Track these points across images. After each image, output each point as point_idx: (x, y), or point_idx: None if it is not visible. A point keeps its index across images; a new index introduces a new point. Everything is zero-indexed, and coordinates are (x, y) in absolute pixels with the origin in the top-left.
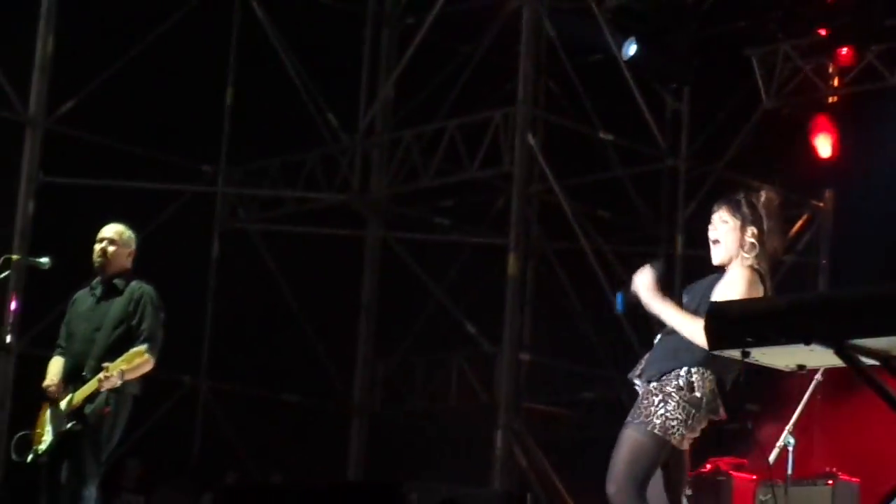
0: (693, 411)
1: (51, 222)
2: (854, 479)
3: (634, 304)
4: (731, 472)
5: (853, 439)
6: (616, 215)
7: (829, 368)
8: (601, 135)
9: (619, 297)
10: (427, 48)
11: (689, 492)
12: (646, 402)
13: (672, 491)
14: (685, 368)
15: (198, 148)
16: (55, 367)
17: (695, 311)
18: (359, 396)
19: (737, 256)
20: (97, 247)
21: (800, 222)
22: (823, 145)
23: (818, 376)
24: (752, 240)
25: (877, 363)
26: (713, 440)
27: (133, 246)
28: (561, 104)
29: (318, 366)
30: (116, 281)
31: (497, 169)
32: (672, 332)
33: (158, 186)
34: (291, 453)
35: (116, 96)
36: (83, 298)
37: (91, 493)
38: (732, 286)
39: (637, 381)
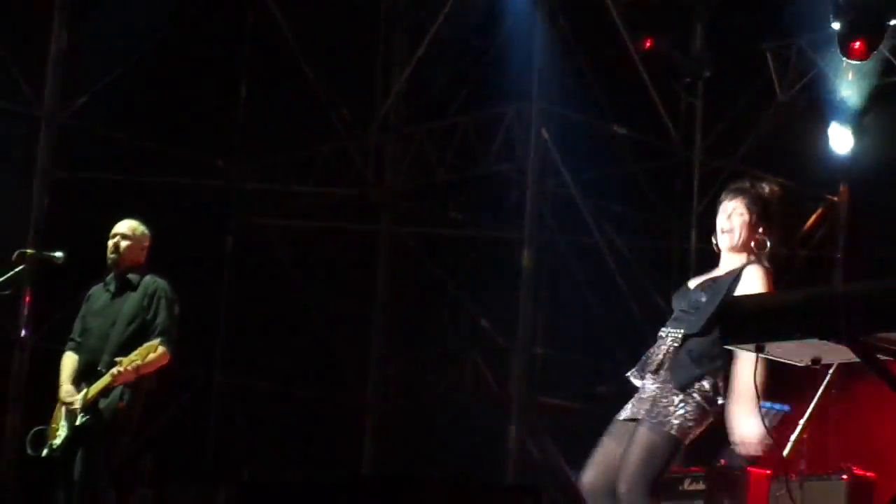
0: (709, 415)
1: (65, 217)
2: (869, 474)
3: None
4: (745, 466)
5: (868, 434)
6: (630, 209)
7: (844, 363)
8: (615, 129)
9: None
10: (440, 42)
11: (701, 486)
12: (664, 401)
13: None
14: (712, 374)
15: (211, 142)
16: (68, 366)
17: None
18: (372, 391)
19: (746, 251)
20: (110, 242)
21: (815, 216)
22: (839, 139)
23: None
24: (764, 237)
25: (892, 358)
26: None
27: (146, 241)
28: (575, 98)
29: (331, 360)
30: (131, 276)
31: (511, 163)
32: (692, 336)
33: (172, 181)
34: (305, 448)
35: (130, 91)
36: (98, 294)
37: (104, 487)
38: (756, 289)
39: (648, 379)
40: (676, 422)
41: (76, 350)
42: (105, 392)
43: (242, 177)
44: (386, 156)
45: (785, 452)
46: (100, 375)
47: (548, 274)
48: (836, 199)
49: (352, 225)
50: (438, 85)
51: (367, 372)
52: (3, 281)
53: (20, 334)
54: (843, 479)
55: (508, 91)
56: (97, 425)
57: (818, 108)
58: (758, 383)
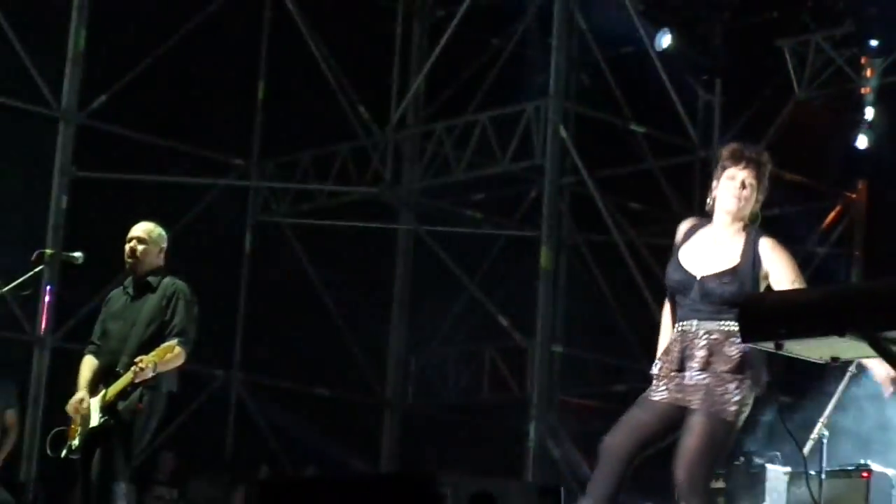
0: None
1: (84, 217)
2: (889, 471)
3: None
4: (764, 464)
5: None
6: (648, 207)
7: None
8: (633, 126)
9: None
10: (458, 40)
11: (721, 484)
12: (720, 389)
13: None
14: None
15: (230, 142)
16: (86, 370)
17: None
18: (391, 389)
19: (741, 220)
20: (127, 247)
21: (833, 213)
22: (856, 136)
23: (852, 368)
24: (758, 210)
25: None
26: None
27: (163, 243)
28: (593, 96)
29: (350, 359)
30: (150, 278)
31: (529, 161)
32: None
33: (191, 180)
34: (324, 446)
35: (148, 91)
36: (117, 297)
37: (121, 488)
38: (790, 266)
39: (692, 371)
40: (733, 408)
41: (95, 354)
42: (124, 394)
43: (261, 176)
44: (404, 154)
45: (806, 450)
46: (119, 377)
47: (566, 272)
48: (854, 195)
49: (370, 224)
50: (456, 83)
51: (385, 370)
52: (22, 281)
53: (40, 334)
54: (863, 476)
55: (526, 89)
56: (116, 426)
57: (836, 104)
58: None
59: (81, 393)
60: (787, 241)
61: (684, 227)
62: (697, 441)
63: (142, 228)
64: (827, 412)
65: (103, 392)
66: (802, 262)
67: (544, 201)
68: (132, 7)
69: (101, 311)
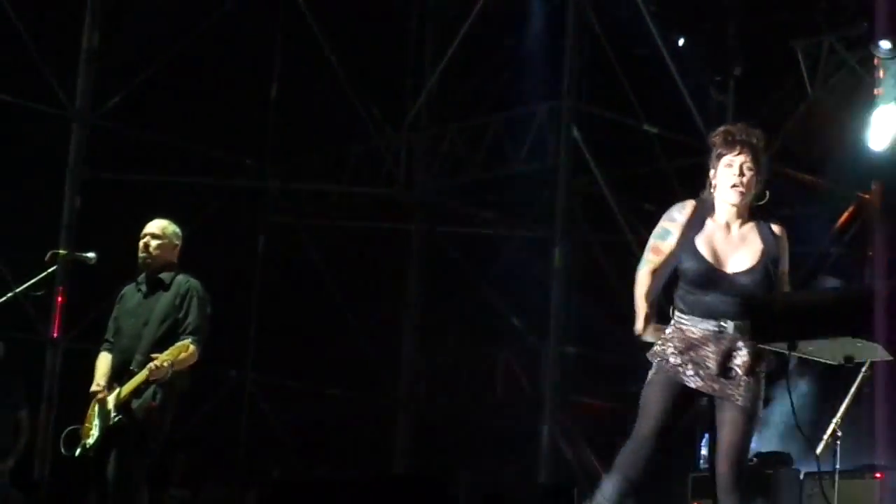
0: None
1: (97, 217)
2: None
3: None
4: (777, 464)
5: None
6: (661, 208)
7: (876, 361)
8: (646, 127)
9: None
10: (471, 41)
11: None
12: (757, 387)
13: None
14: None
15: (243, 142)
16: (103, 364)
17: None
18: (404, 390)
19: (748, 208)
20: (141, 242)
21: (846, 214)
22: (871, 136)
23: (865, 369)
24: (764, 190)
25: None
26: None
27: (177, 241)
28: (606, 97)
29: (363, 359)
30: (163, 276)
31: (542, 162)
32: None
33: (204, 181)
34: (337, 447)
35: (161, 92)
36: (130, 294)
37: (136, 487)
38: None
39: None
40: (760, 404)
41: (110, 351)
42: (138, 392)
43: (274, 177)
44: (417, 155)
45: (818, 450)
46: (132, 375)
47: (579, 273)
48: (868, 196)
49: (383, 224)
50: (469, 84)
51: (398, 371)
52: (35, 282)
53: (53, 334)
54: (876, 477)
55: (539, 90)
56: (130, 425)
57: (849, 105)
58: None
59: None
60: (801, 241)
61: (687, 211)
62: (743, 438)
63: (156, 225)
64: (840, 412)
65: (118, 391)
66: (816, 262)
67: (557, 202)
68: (145, 8)
69: (115, 308)
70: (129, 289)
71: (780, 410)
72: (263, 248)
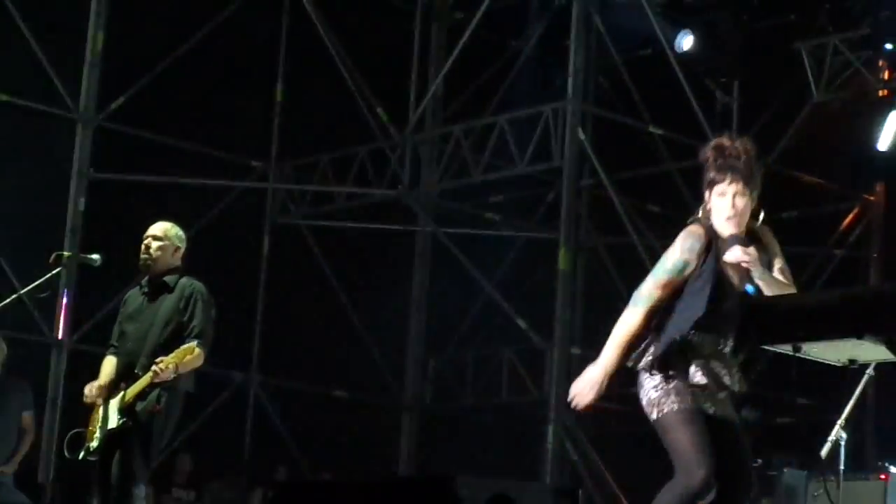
0: None
1: (102, 219)
2: None
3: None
4: (782, 466)
5: None
6: (666, 209)
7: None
8: (651, 129)
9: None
10: (476, 43)
11: None
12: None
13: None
14: None
15: (248, 144)
16: (108, 367)
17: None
18: (409, 391)
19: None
20: (143, 244)
21: (850, 215)
22: (876, 138)
23: (870, 370)
24: (759, 209)
25: None
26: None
27: (180, 243)
28: (611, 98)
29: (368, 361)
30: (167, 278)
31: (547, 163)
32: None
33: (209, 182)
34: (342, 448)
35: (167, 93)
36: (134, 297)
37: (140, 490)
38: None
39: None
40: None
41: (115, 355)
42: (142, 395)
43: (279, 178)
44: (422, 156)
45: (823, 452)
46: (137, 378)
47: (584, 274)
48: (871, 197)
49: (388, 226)
50: (475, 85)
51: (404, 372)
52: (40, 283)
53: (58, 336)
54: (881, 478)
55: (545, 91)
56: (134, 428)
57: (854, 107)
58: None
59: (102, 381)
60: (805, 242)
61: (703, 241)
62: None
63: (159, 227)
64: (845, 414)
65: (122, 393)
66: (820, 264)
67: (562, 203)
68: (150, 9)
69: (119, 313)
70: (132, 293)
71: None
72: (268, 249)
